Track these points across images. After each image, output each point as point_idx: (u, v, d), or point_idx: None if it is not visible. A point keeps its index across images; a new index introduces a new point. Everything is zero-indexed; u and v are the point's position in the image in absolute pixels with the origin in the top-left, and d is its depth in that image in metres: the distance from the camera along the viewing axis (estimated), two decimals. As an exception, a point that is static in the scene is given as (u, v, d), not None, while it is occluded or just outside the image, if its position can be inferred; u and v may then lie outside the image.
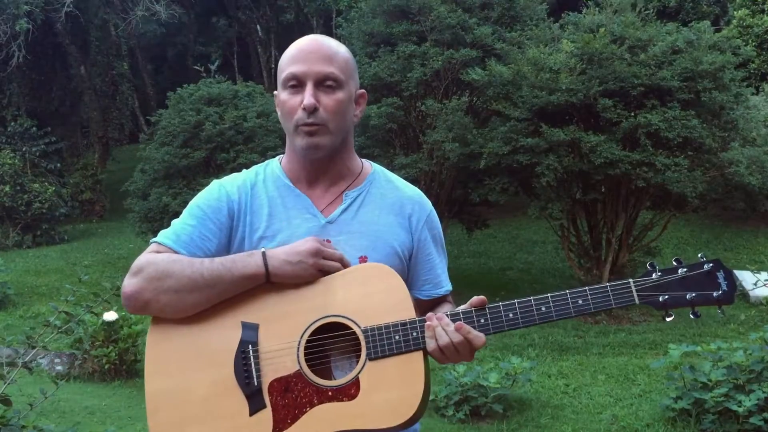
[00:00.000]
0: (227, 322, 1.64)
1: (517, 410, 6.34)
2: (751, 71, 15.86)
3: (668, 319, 1.60)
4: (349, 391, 1.57)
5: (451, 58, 11.57)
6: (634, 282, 1.60)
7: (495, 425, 6.03)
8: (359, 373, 1.57)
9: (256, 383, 1.59)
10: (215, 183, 1.79)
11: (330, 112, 1.66)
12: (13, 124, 19.13)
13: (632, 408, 6.37)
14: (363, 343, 1.58)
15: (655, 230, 11.28)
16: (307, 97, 1.64)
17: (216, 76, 14.41)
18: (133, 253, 15.02)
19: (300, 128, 1.67)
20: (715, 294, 1.58)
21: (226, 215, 1.72)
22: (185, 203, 1.83)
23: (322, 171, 1.74)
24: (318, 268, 1.61)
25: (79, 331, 7.71)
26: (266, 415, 1.58)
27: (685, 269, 1.60)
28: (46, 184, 17.71)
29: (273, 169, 1.80)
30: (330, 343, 1.61)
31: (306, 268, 1.60)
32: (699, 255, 1.66)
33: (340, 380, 1.58)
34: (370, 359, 1.58)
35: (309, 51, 1.68)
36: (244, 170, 1.83)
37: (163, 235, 1.72)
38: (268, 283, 1.63)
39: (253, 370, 1.60)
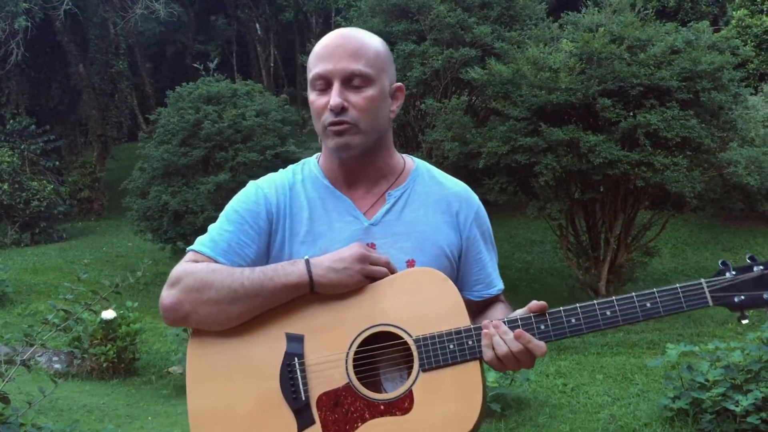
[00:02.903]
0: (271, 334, 1.56)
1: (515, 409, 6.35)
2: (750, 71, 15.87)
3: (744, 322, 1.50)
4: (402, 405, 1.48)
5: (450, 57, 11.58)
6: (706, 282, 1.50)
7: (493, 424, 6.04)
8: (412, 385, 1.49)
9: (303, 398, 1.51)
10: (252, 184, 1.69)
11: (360, 111, 1.56)
12: (11, 122, 19.11)
13: (630, 407, 6.38)
14: (415, 354, 1.50)
15: (654, 230, 11.30)
16: (334, 96, 1.54)
17: (215, 74, 14.40)
18: (132, 252, 15.05)
19: (328, 129, 1.57)
20: None
21: (264, 219, 1.63)
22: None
23: (360, 171, 1.64)
24: (365, 274, 1.52)
25: (78, 329, 7.70)
26: (315, 431, 1.50)
27: (762, 267, 1.51)
28: (45, 182, 17.69)
29: (311, 168, 1.69)
30: (380, 353, 1.52)
31: (352, 275, 1.52)
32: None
33: (393, 393, 1.50)
34: (424, 370, 1.49)
35: (334, 47, 1.57)
36: (280, 170, 1.73)
37: (200, 243, 1.63)
38: (312, 293, 1.55)
39: (300, 384, 1.51)
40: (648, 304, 1.50)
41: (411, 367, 1.51)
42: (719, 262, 1.55)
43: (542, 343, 1.51)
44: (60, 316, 3.12)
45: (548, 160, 9.89)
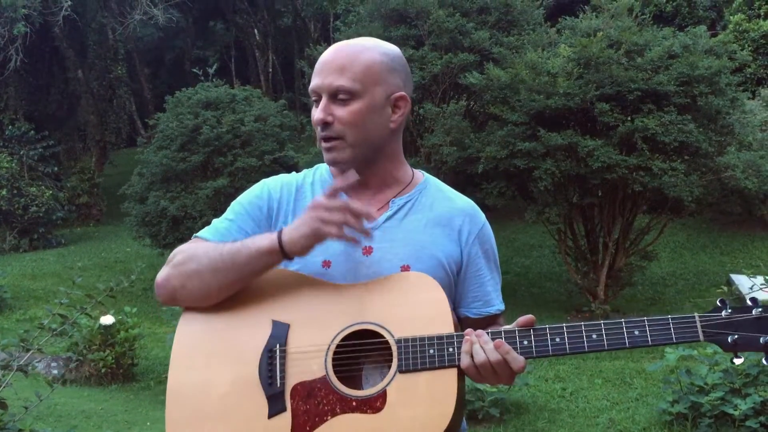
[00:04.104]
0: (259, 320, 1.59)
1: (514, 414, 6.35)
2: (747, 76, 15.89)
3: (737, 362, 1.48)
4: (374, 404, 1.49)
5: (449, 62, 11.59)
6: (699, 317, 1.48)
7: (492, 429, 6.03)
8: (387, 385, 1.50)
9: (279, 385, 1.54)
10: (260, 182, 1.78)
11: (345, 124, 1.60)
12: (10, 127, 19.10)
13: (629, 412, 6.38)
14: (395, 354, 1.51)
15: (652, 234, 11.30)
16: (317, 112, 1.61)
17: (213, 79, 14.41)
18: (131, 257, 15.03)
19: (320, 142, 1.64)
20: None
21: (265, 213, 1.70)
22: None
23: (365, 181, 1.68)
24: (320, 218, 1.52)
25: (75, 335, 7.69)
26: (285, 419, 1.52)
27: (761, 309, 1.46)
28: (43, 187, 17.68)
29: (322, 173, 1.76)
30: (361, 350, 1.54)
31: (307, 222, 1.53)
32: None
33: (367, 391, 1.51)
34: (401, 372, 1.49)
35: (324, 63, 1.64)
36: (293, 172, 1.81)
37: (203, 231, 1.72)
38: (309, 284, 1.60)
39: (278, 371, 1.54)
40: (636, 332, 1.49)
41: (390, 368, 1.51)
42: (717, 300, 1.51)
43: (521, 358, 1.50)
44: (56, 320, 3.11)
45: (547, 164, 9.90)
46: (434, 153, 11.27)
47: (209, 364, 1.59)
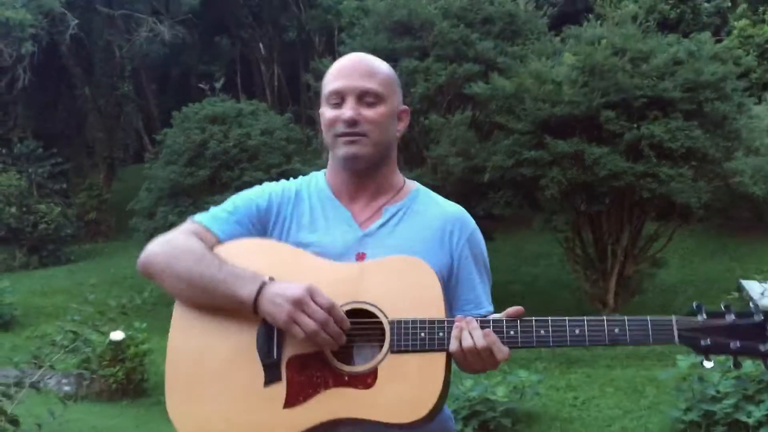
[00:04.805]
0: None
1: (526, 424, 6.31)
2: (753, 81, 15.86)
3: (707, 365, 1.53)
4: (365, 380, 1.56)
5: (453, 73, 11.62)
6: (676, 320, 1.54)
7: (504, 439, 6.00)
8: (379, 363, 1.56)
9: (275, 355, 1.60)
10: (263, 184, 1.83)
11: (371, 123, 1.68)
12: (19, 145, 19.25)
13: (641, 420, 6.34)
14: (387, 335, 1.57)
15: (661, 241, 11.25)
16: (348, 110, 1.67)
17: (220, 94, 14.50)
18: (140, 273, 15.03)
19: (339, 138, 1.69)
20: (761, 347, 1.50)
21: (264, 210, 1.75)
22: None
23: (363, 185, 1.75)
24: (293, 318, 1.55)
25: (86, 351, 7.71)
26: (280, 388, 1.58)
27: (734, 316, 1.52)
28: (52, 204, 17.77)
29: (317, 181, 1.82)
30: (356, 329, 1.60)
31: (281, 317, 1.56)
32: (750, 304, 1.58)
33: (359, 367, 1.58)
34: (392, 352, 1.56)
35: (350, 68, 1.72)
36: (292, 178, 1.86)
37: (200, 215, 1.76)
38: (307, 261, 1.65)
39: (275, 341, 1.60)
40: (616, 330, 1.55)
41: (383, 347, 1.58)
42: (693, 304, 1.57)
43: (506, 349, 1.55)
44: (68, 337, 3.13)
45: (553, 172, 9.89)
46: (440, 163, 11.28)
47: (209, 331, 1.64)
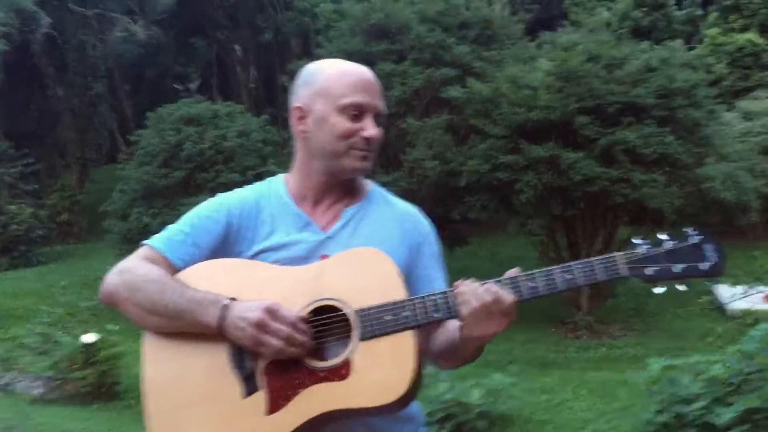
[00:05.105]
0: None
1: (500, 426, 6.34)
2: (724, 89, 16.13)
3: (657, 291, 1.62)
4: (340, 372, 1.59)
5: (430, 77, 11.67)
6: (620, 255, 1.62)
7: (478, 442, 6.02)
8: (350, 353, 1.59)
9: (250, 366, 1.62)
10: (218, 196, 1.83)
11: (377, 143, 1.77)
12: (-11, 145, 18.98)
13: (614, 422, 6.40)
14: (354, 325, 1.60)
15: (634, 245, 11.36)
16: (372, 128, 1.74)
17: (195, 95, 14.40)
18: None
19: (354, 151, 1.74)
20: (701, 266, 1.62)
21: (223, 226, 1.75)
22: (165, 224, 1.84)
23: (329, 189, 1.79)
24: (258, 341, 1.58)
25: (57, 353, 7.60)
26: (260, 397, 1.60)
27: (673, 242, 1.62)
28: (24, 205, 17.52)
29: (276, 187, 1.83)
30: (324, 325, 1.63)
31: (246, 339, 1.59)
32: (686, 229, 1.65)
33: (332, 361, 1.60)
34: (362, 340, 1.59)
35: (370, 84, 1.77)
36: (248, 186, 1.86)
37: (156, 239, 1.75)
38: (267, 272, 1.68)
39: (248, 353, 1.62)
40: (567, 276, 1.62)
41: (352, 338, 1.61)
42: (632, 238, 1.66)
43: (511, 293, 1.62)
44: (38, 339, 3.08)
45: (529, 177, 9.96)
46: (417, 167, 11.31)
47: (181, 354, 1.66)
